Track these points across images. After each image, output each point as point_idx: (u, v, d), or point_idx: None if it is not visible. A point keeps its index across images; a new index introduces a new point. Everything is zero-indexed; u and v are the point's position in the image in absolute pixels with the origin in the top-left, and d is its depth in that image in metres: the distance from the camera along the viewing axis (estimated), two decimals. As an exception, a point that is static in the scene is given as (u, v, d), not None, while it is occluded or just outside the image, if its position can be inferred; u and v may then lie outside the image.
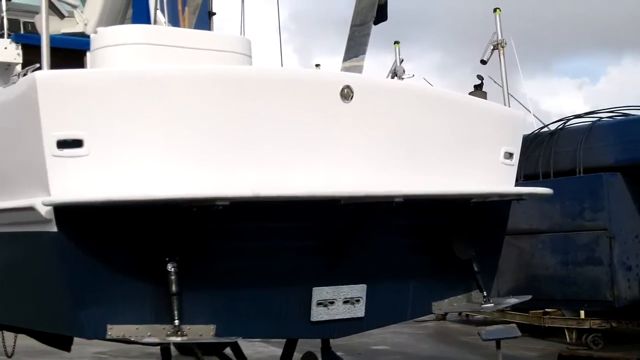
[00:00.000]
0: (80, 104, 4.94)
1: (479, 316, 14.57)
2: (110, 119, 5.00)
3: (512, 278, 12.06)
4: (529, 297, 7.33)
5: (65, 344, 7.43)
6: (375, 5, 7.36)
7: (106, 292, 5.15)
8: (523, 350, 11.33)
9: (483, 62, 6.89)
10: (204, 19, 10.58)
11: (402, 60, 7.74)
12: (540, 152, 12.08)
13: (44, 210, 4.91)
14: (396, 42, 7.81)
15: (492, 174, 6.41)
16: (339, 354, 7.42)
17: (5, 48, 8.41)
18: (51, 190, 4.87)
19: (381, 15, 7.45)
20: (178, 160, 5.11)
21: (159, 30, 7.48)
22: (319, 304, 5.84)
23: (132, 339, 5.28)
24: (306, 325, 5.86)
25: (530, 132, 12.33)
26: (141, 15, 9.56)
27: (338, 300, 5.91)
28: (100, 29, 6.35)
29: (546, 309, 12.16)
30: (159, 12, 9.66)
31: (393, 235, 6.11)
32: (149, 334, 5.26)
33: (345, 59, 7.65)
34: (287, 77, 5.63)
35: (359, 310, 6.04)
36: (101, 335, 5.26)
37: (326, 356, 7.19)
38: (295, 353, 7.46)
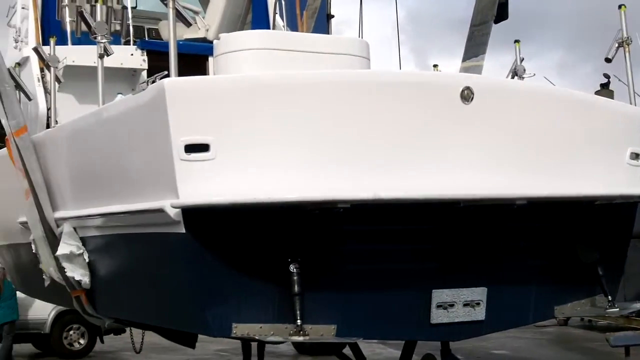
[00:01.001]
0: (206, 110, 5.09)
1: (602, 322, 14.15)
2: (235, 124, 5.13)
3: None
4: (657, 302, 7.09)
5: (190, 341, 7.67)
6: (496, 4, 7.26)
7: (231, 291, 5.29)
8: (649, 357, 10.93)
9: (608, 60, 6.70)
10: (322, 22, 10.69)
11: (523, 59, 7.62)
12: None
13: (173, 212, 5.08)
14: (516, 41, 7.68)
15: (617, 175, 6.22)
16: (458, 357, 7.37)
17: (132, 55, 8.72)
18: (179, 192, 5.04)
19: (502, 13, 7.34)
20: (300, 164, 5.19)
21: (279, 35, 7.61)
22: (438, 306, 5.82)
23: (256, 338, 5.40)
24: (426, 328, 5.85)
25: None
26: (261, 20, 9.78)
27: (458, 303, 5.87)
28: (223, 35, 6.50)
29: (674, 315, 11.69)
30: (277, 17, 9.84)
31: (514, 238, 6.02)
32: (272, 332, 5.37)
33: (464, 59, 7.58)
34: (407, 80, 5.63)
35: (479, 314, 5.98)
36: (226, 334, 5.41)
37: (446, 359, 7.14)
38: (414, 355, 7.45)
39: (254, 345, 8.36)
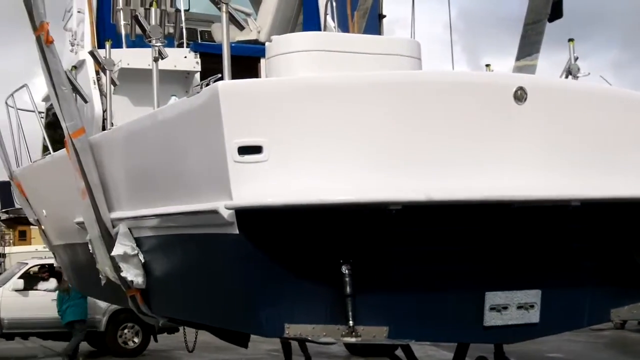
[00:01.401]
0: (259, 112, 5.14)
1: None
2: (288, 126, 5.16)
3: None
4: None
5: (242, 341, 7.73)
6: (550, 2, 7.18)
7: (284, 292, 5.32)
8: None
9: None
10: (374, 22, 10.65)
11: (577, 58, 7.51)
12: None
13: (227, 214, 5.13)
14: (570, 40, 7.57)
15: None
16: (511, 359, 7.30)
17: (185, 57, 8.80)
18: (233, 194, 5.08)
19: (556, 12, 7.25)
20: (352, 165, 5.20)
21: (331, 36, 7.62)
22: (492, 308, 5.77)
23: (309, 339, 5.42)
24: (479, 330, 5.81)
25: None
26: (311, 21, 9.80)
27: (512, 306, 5.82)
28: (275, 37, 6.54)
29: None
30: (328, 18, 9.84)
31: (568, 240, 5.95)
32: (324, 333, 5.40)
33: (518, 58, 7.51)
34: (459, 80, 5.61)
35: (533, 316, 5.92)
36: (279, 334, 5.44)
37: (499, 362, 7.08)
38: (467, 358, 7.39)
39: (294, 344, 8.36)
